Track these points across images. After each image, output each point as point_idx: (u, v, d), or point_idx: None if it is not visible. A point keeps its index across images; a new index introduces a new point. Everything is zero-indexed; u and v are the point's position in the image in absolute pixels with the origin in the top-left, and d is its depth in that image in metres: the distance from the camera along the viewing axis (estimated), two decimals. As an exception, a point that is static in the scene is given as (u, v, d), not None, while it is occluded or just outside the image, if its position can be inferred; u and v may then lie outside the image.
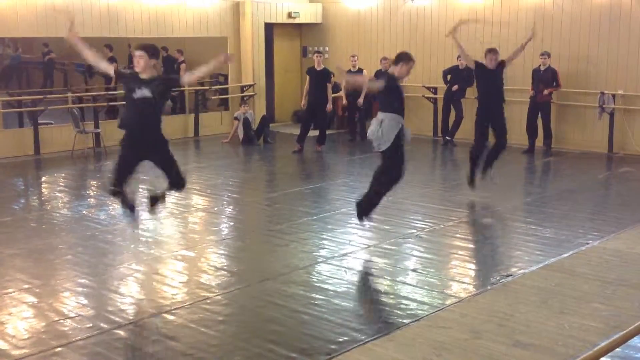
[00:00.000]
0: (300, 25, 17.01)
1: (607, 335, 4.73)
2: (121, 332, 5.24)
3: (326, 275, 6.47)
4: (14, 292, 6.06)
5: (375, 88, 7.54)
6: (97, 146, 13.39)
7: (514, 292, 5.94)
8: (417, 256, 7.10)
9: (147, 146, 6.61)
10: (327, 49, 16.60)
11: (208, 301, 5.84)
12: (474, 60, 9.55)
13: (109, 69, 6.82)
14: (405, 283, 6.31)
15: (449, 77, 14.02)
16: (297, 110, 16.43)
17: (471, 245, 7.78)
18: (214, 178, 11.15)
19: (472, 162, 9.58)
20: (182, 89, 15.71)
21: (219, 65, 7.12)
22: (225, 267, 6.86)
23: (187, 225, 8.51)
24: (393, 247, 7.33)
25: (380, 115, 7.34)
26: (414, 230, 7.92)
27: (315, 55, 13.54)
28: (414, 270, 6.66)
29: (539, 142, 13.21)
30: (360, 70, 14.07)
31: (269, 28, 16.32)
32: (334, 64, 15.30)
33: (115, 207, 9.19)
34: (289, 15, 16.26)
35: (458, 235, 7.92)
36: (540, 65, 12.90)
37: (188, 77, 7.06)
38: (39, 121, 13.12)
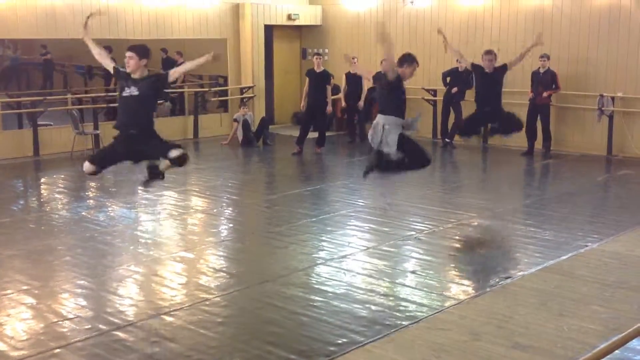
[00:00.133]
0: (299, 27, 17.01)
1: (606, 338, 4.73)
2: (120, 334, 5.23)
3: (325, 277, 6.47)
4: (12, 293, 6.06)
5: (391, 54, 7.58)
6: (97, 147, 13.36)
7: (513, 294, 5.94)
8: (416, 258, 7.10)
9: (136, 144, 6.63)
10: (326, 51, 16.59)
11: (207, 303, 5.83)
12: (471, 62, 9.54)
13: (110, 66, 6.94)
14: (404, 285, 6.31)
15: (448, 79, 14.03)
16: (296, 112, 16.42)
17: (470, 248, 7.78)
18: (214, 180, 11.15)
19: (456, 127, 9.43)
20: (182, 90, 15.75)
21: (204, 62, 7.20)
22: (224, 269, 6.86)
23: (186, 227, 8.50)
24: (392, 249, 7.33)
25: (380, 119, 7.33)
26: (413, 233, 7.91)
27: (315, 57, 13.52)
28: (413, 272, 6.67)
29: (538, 144, 13.20)
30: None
31: (269, 30, 16.31)
32: (334, 66, 15.44)
33: (115, 208, 9.22)
34: (289, 17, 16.26)
35: (457, 238, 7.92)
36: (539, 67, 12.90)
37: (173, 72, 7.12)
38: (39, 122, 13.11)
